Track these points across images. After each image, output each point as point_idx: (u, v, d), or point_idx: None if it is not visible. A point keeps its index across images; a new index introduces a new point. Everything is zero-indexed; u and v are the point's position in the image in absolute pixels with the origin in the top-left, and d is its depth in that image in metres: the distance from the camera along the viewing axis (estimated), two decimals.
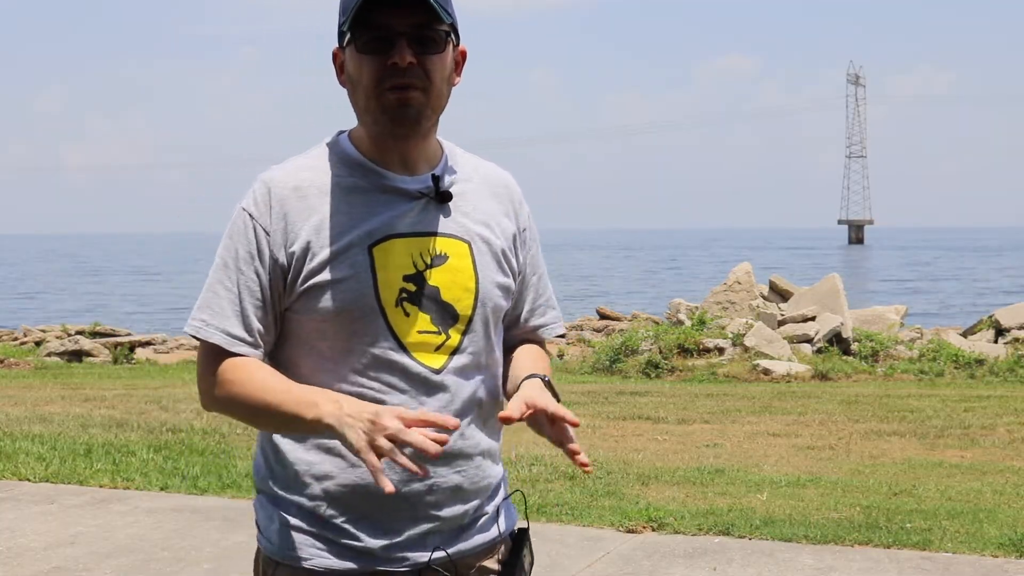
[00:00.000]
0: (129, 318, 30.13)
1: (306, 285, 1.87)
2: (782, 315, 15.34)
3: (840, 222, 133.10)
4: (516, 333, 2.13)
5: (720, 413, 10.15)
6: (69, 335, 19.40)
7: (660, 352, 14.19)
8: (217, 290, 1.90)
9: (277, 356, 1.95)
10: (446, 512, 1.93)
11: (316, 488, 1.91)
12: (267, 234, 1.88)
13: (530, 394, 1.90)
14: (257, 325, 1.89)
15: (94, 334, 19.27)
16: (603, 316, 24.02)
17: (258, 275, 1.88)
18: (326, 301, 1.87)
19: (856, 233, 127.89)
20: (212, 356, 1.90)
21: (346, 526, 1.90)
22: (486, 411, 2.00)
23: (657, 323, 17.62)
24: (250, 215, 1.89)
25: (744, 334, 14.20)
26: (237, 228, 1.90)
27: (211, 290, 1.90)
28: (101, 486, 6.90)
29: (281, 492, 1.94)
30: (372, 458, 1.70)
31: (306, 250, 1.87)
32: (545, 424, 1.89)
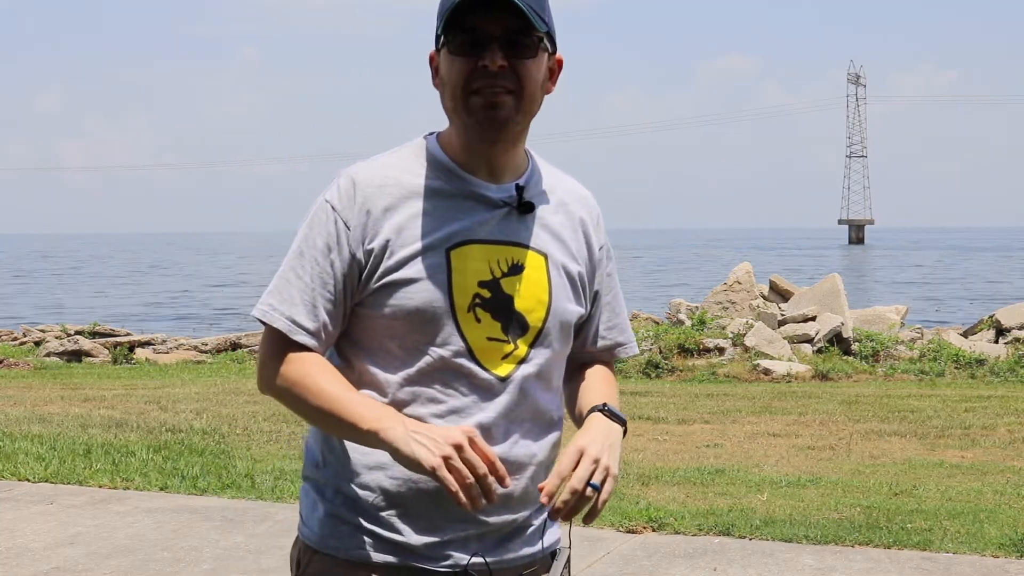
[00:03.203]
0: (128, 317, 30.13)
1: (381, 282, 1.88)
2: (782, 315, 15.32)
3: (840, 222, 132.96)
4: (588, 351, 2.13)
5: (720, 413, 10.14)
6: (68, 335, 19.37)
7: (660, 352, 14.18)
8: (289, 277, 1.90)
9: (339, 352, 1.96)
10: (493, 519, 1.92)
11: (367, 478, 1.90)
12: (348, 228, 1.89)
13: (564, 465, 1.87)
14: (324, 317, 1.89)
15: (93, 334, 19.24)
16: None
17: (333, 267, 1.89)
18: (400, 299, 1.87)
19: (857, 233, 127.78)
20: (276, 343, 1.90)
21: (392, 519, 1.89)
22: (545, 423, 1.99)
23: (657, 323, 17.60)
24: (332, 207, 1.90)
25: (744, 334, 14.19)
26: (318, 219, 1.91)
27: (283, 277, 1.91)
28: (100, 486, 6.89)
29: (330, 481, 1.94)
30: (449, 477, 1.72)
31: (385, 247, 1.88)
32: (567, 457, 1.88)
